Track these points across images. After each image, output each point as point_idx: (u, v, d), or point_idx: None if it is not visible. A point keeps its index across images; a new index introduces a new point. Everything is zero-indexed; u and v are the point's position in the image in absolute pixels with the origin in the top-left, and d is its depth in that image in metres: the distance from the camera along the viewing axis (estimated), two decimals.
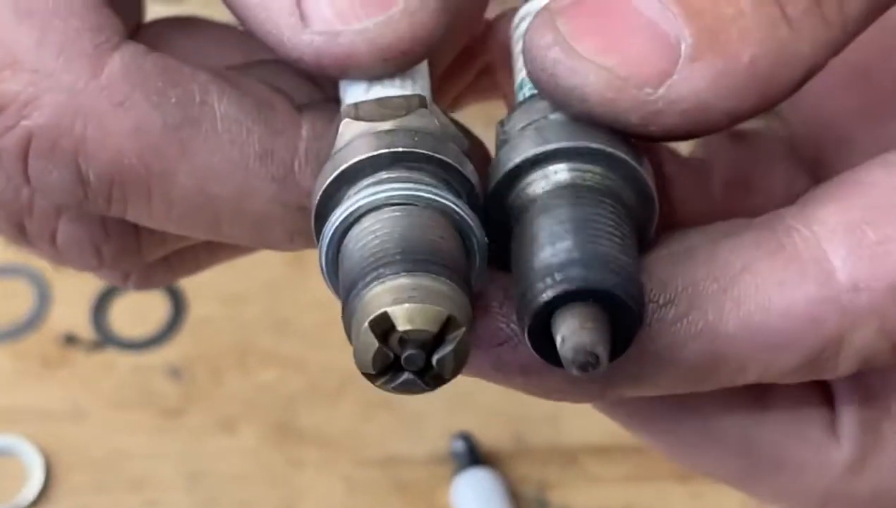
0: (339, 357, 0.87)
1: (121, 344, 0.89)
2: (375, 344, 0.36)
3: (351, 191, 0.39)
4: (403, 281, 0.36)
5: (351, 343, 0.37)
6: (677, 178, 0.47)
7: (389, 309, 0.35)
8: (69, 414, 0.86)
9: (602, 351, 0.36)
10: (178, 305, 0.90)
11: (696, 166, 0.49)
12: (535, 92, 0.40)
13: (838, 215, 0.39)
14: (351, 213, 0.38)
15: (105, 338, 0.89)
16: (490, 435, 0.84)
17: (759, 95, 0.38)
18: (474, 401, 0.86)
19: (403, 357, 0.36)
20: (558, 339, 0.36)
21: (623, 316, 0.37)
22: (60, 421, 0.86)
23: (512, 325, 0.39)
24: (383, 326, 0.35)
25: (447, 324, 0.36)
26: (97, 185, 0.41)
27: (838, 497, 0.45)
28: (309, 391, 0.87)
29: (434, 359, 0.36)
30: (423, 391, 0.37)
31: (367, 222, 0.38)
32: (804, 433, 0.44)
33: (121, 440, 0.85)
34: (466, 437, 0.84)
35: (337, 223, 0.38)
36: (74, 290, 0.90)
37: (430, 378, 0.37)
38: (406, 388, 0.37)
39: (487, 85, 0.50)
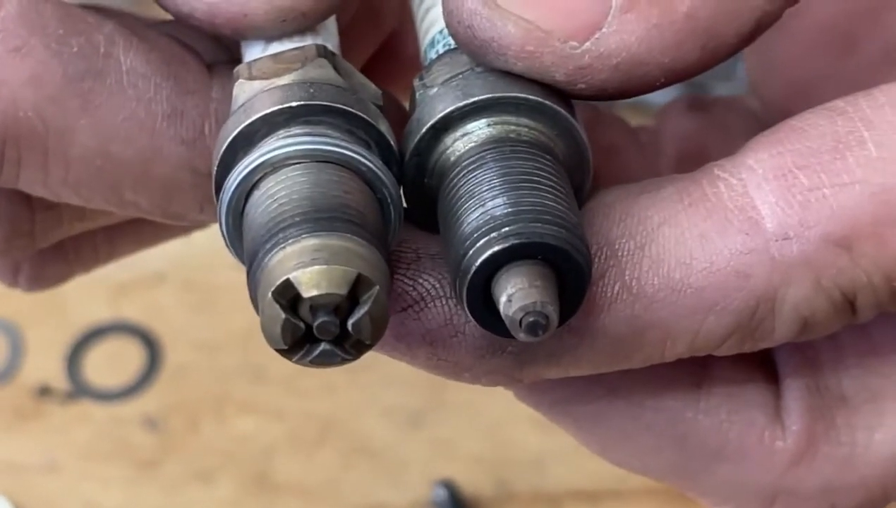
0: (317, 404, 0.86)
1: (95, 394, 0.87)
2: (281, 315, 0.33)
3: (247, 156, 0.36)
4: (306, 243, 0.33)
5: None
6: (624, 148, 0.45)
7: (292, 275, 0.32)
8: (43, 466, 0.85)
9: (552, 311, 0.33)
10: (154, 353, 0.89)
11: (647, 137, 0.47)
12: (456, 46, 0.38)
13: (769, 161, 0.36)
14: (245, 178, 0.35)
15: (79, 389, 0.88)
16: (472, 482, 0.83)
17: (699, 49, 0.35)
18: (456, 447, 0.84)
19: (315, 325, 0.33)
20: (503, 300, 0.33)
21: (571, 275, 0.34)
22: (34, 474, 0.84)
23: (419, 288, 0.36)
24: (288, 295, 0.32)
25: (359, 285, 0.33)
26: None
27: (784, 492, 0.41)
28: (287, 439, 0.85)
29: (349, 324, 0.33)
30: (344, 361, 0.34)
31: (265, 186, 0.35)
32: (745, 418, 0.41)
33: (95, 493, 0.84)
34: (448, 484, 0.82)
35: (231, 189, 0.35)
36: (48, 340, 0.89)
37: (350, 346, 0.33)
38: (324, 360, 0.34)
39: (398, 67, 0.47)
